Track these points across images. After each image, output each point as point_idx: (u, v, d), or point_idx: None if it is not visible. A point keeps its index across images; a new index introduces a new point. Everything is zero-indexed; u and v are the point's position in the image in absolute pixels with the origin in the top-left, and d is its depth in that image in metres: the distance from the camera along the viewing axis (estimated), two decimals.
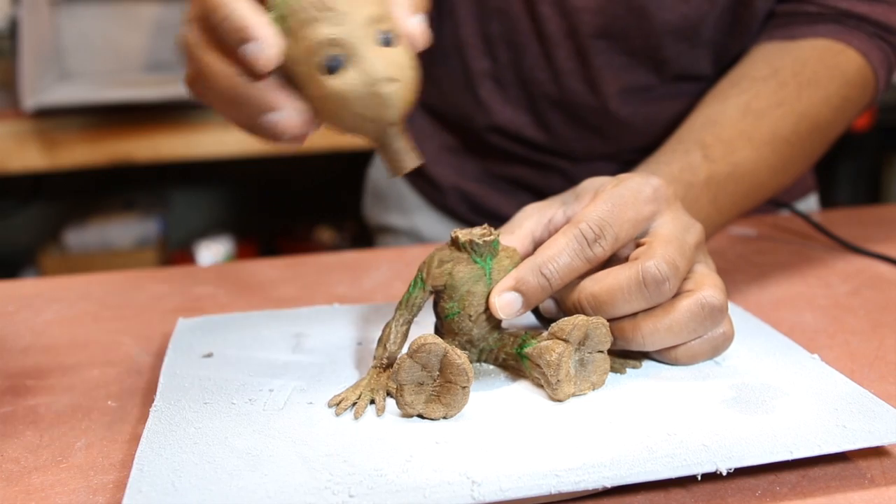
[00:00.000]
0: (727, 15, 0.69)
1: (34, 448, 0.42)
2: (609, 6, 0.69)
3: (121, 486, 0.39)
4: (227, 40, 0.37)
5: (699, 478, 0.37)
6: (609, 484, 0.36)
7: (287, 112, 0.38)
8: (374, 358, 0.45)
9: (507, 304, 0.44)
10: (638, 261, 0.44)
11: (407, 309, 0.45)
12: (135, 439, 0.43)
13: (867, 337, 0.54)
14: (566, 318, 0.43)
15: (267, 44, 0.36)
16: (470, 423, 0.40)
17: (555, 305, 0.47)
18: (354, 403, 0.42)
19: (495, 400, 0.43)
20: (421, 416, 0.41)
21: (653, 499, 0.38)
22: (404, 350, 0.43)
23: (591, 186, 0.49)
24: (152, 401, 0.43)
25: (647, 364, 0.47)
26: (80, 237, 1.90)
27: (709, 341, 0.46)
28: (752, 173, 0.60)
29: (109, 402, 0.47)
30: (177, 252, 2.05)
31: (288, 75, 0.38)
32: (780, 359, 0.47)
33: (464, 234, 0.45)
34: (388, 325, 0.45)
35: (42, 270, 1.85)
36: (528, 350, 0.44)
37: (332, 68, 0.37)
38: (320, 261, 0.72)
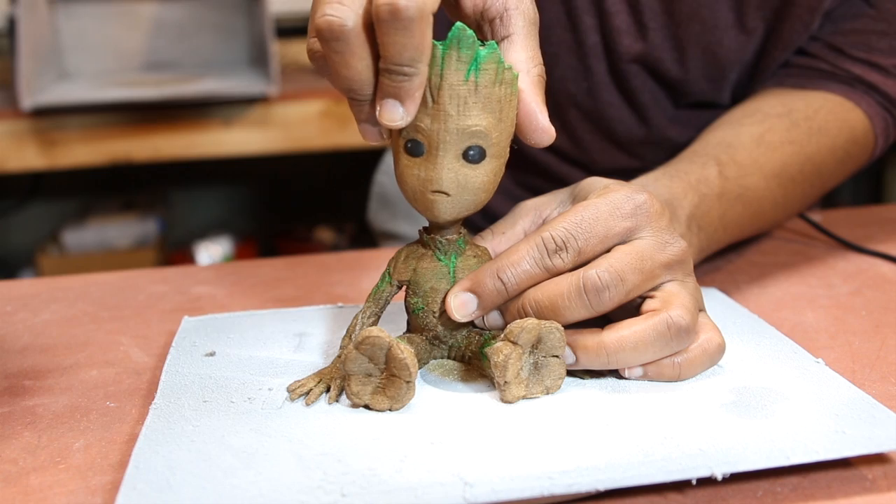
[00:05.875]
0: (751, 61, 0.71)
1: (32, 449, 0.42)
2: (647, 35, 0.70)
3: (119, 486, 0.38)
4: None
5: (694, 482, 0.37)
6: (602, 487, 0.36)
7: (373, 130, 0.42)
8: (340, 348, 0.45)
9: (461, 304, 0.44)
10: (582, 268, 0.43)
11: (374, 302, 0.46)
12: (133, 440, 0.42)
13: (869, 337, 0.54)
14: (518, 321, 0.42)
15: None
16: (465, 424, 0.40)
17: (500, 317, 0.46)
18: (311, 390, 0.43)
19: (489, 401, 0.43)
20: (367, 407, 0.42)
21: (649, 502, 0.38)
22: None
23: (589, 188, 0.48)
24: (151, 401, 0.43)
25: None
26: (78, 237, 1.90)
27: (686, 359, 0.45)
28: (758, 201, 0.62)
29: (108, 403, 0.47)
30: (176, 252, 2.05)
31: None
32: (783, 362, 0.47)
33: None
34: (355, 317, 0.46)
35: (40, 270, 1.85)
36: (487, 349, 0.43)
37: (411, 151, 0.41)
38: (320, 261, 0.72)
